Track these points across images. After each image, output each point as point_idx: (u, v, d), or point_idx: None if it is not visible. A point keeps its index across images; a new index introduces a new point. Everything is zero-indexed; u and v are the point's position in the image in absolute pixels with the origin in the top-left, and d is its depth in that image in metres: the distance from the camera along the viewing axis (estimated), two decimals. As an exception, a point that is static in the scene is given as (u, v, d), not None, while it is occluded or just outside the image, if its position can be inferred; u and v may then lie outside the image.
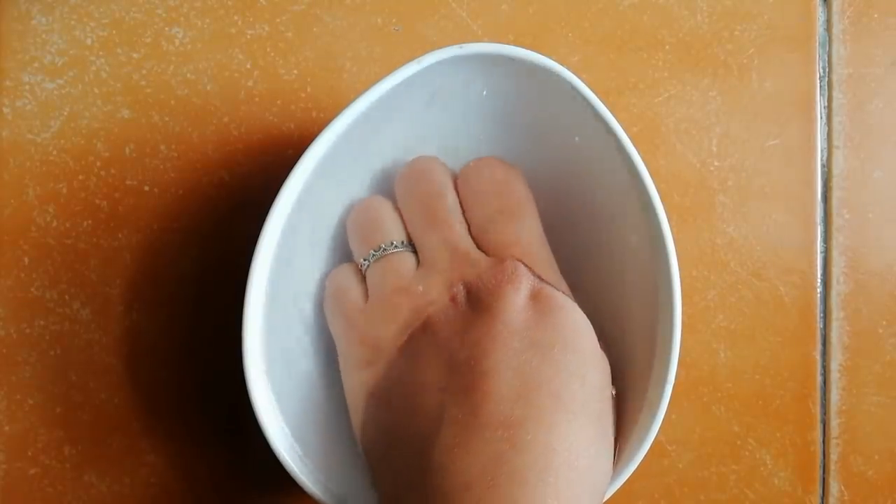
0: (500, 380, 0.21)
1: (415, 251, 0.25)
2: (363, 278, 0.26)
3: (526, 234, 0.25)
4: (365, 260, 0.25)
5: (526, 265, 0.24)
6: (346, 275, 0.26)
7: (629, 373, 0.25)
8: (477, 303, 0.23)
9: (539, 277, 0.24)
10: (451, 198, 0.25)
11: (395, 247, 0.25)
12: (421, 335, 0.23)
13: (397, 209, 0.26)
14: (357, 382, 0.25)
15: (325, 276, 0.27)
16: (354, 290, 0.25)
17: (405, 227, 0.26)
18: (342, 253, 0.27)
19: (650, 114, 0.32)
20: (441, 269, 0.24)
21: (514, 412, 0.21)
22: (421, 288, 0.24)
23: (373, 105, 0.24)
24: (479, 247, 0.25)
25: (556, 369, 0.22)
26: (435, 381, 0.22)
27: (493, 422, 0.21)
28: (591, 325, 0.24)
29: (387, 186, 0.27)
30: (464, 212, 0.25)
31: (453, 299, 0.23)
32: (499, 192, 0.25)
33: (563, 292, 0.24)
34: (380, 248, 0.25)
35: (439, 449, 0.21)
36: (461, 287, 0.24)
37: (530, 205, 0.25)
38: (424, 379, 0.23)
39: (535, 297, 0.23)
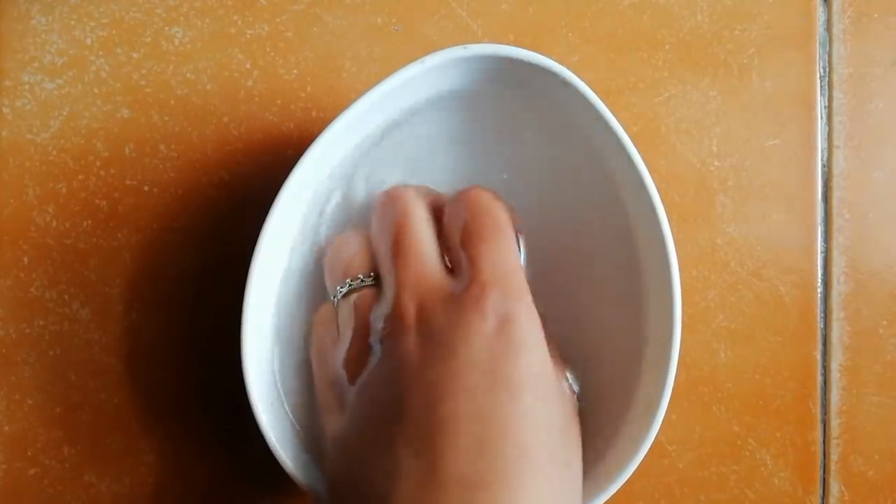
0: (459, 429, 0.19)
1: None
2: (336, 316, 0.25)
3: (497, 256, 0.22)
4: (334, 297, 0.25)
5: (495, 289, 0.22)
6: (323, 315, 0.25)
7: (629, 373, 0.25)
8: (437, 334, 0.21)
9: (508, 301, 0.22)
10: (421, 224, 0.24)
11: (362, 281, 0.24)
12: (376, 377, 0.22)
13: (370, 242, 0.25)
14: (323, 427, 0.24)
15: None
16: (329, 329, 0.25)
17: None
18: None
19: (650, 114, 0.32)
20: (399, 300, 0.22)
21: (475, 469, 0.19)
22: (378, 322, 0.22)
23: (373, 105, 0.24)
24: (453, 265, 0.23)
25: (523, 416, 0.20)
26: (389, 432, 0.20)
27: (451, 482, 0.19)
28: (552, 363, 0.22)
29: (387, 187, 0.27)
30: (445, 239, 0.24)
31: (407, 332, 0.21)
32: (474, 215, 0.23)
33: (533, 319, 0.22)
34: (346, 283, 0.24)
35: None
36: (415, 317, 0.22)
37: (506, 228, 0.23)
38: (381, 426, 0.21)
39: (502, 327, 0.21)
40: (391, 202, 0.24)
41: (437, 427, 0.20)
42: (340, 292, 0.24)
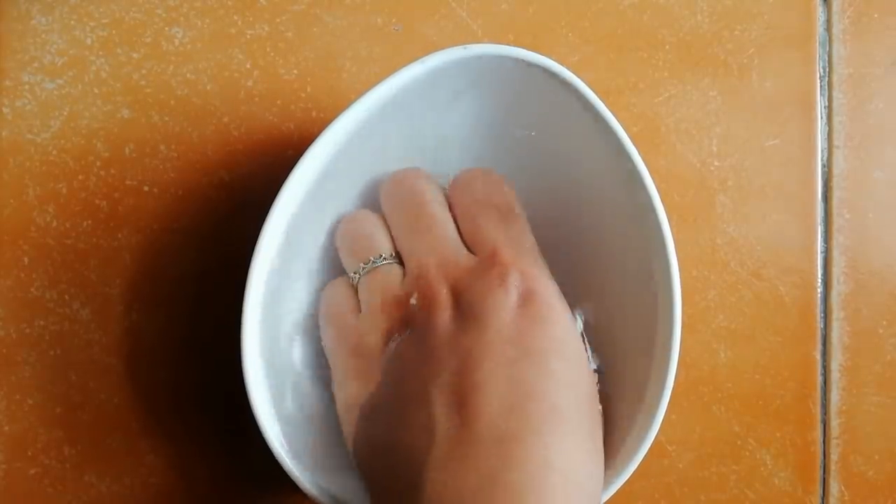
0: (492, 391, 0.21)
1: (403, 262, 0.25)
2: (355, 292, 0.25)
3: (515, 235, 0.24)
4: (355, 273, 0.25)
5: (516, 267, 0.23)
6: (339, 289, 0.26)
7: (629, 373, 0.25)
8: (467, 308, 0.22)
9: (529, 279, 0.23)
10: (436, 203, 0.25)
11: (385, 259, 0.25)
12: (409, 346, 0.23)
13: (384, 221, 0.26)
14: (347, 395, 0.24)
15: (326, 275, 0.27)
16: (346, 304, 0.25)
17: (393, 239, 0.25)
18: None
19: (650, 114, 0.32)
20: (427, 275, 0.23)
21: (508, 426, 0.20)
22: (407, 297, 0.24)
23: (374, 105, 0.24)
24: (469, 247, 0.24)
25: (552, 379, 0.21)
26: (425, 392, 0.22)
27: (486, 437, 0.20)
28: (577, 332, 0.23)
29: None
30: (455, 219, 0.25)
31: (440, 306, 0.23)
32: (487, 195, 0.25)
33: (553, 293, 0.23)
34: (369, 261, 0.25)
35: (431, 465, 0.20)
36: (447, 293, 0.23)
37: (519, 207, 0.25)
38: (414, 391, 0.22)
39: (527, 300, 0.22)
40: (402, 182, 0.25)
41: (472, 390, 0.21)
42: (364, 269, 0.25)
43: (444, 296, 0.23)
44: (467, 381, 0.21)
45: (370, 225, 0.25)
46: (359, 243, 0.25)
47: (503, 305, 0.22)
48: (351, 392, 0.24)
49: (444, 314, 0.23)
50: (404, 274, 0.25)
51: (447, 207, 0.25)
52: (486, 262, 0.23)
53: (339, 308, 0.25)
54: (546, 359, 0.21)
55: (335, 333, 0.25)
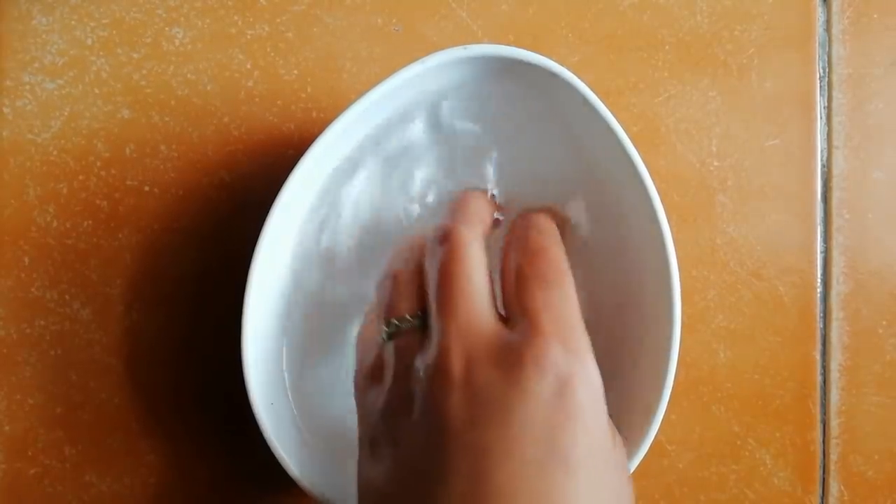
0: None
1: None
2: (382, 352, 0.23)
3: (559, 302, 0.21)
4: (380, 336, 0.23)
5: (558, 340, 0.20)
6: (369, 343, 0.24)
7: (629, 373, 0.25)
8: (487, 393, 0.19)
9: (571, 358, 0.20)
10: (471, 269, 0.22)
11: (409, 322, 0.22)
12: (420, 430, 0.20)
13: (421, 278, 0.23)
14: (361, 465, 0.22)
15: (326, 276, 0.27)
16: (371, 366, 0.23)
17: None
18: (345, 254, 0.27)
19: (650, 114, 0.32)
20: (444, 351, 0.20)
21: None
22: (421, 372, 0.21)
23: (374, 105, 0.24)
24: (508, 313, 0.22)
25: (577, 493, 0.18)
26: (434, 492, 0.19)
27: None
28: (609, 425, 0.21)
29: (388, 188, 0.27)
30: (502, 274, 0.23)
31: (453, 388, 0.20)
32: (533, 256, 0.22)
33: (595, 380, 0.20)
34: (391, 324, 0.22)
35: None
36: (462, 372, 0.20)
37: (567, 271, 0.22)
38: (423, 487, 0.19)
39: (562, 390, 0.19)
40: (443, 239, 0.22)
41: (489, 501, 0.18)
42: (386, 332, 0.22)
43: (456, 375, 0.20)
44: (482, 491, 0.18)
45: (401, 283, 0.23)
46: (386, 303, 0.23)
47: (534, 392, 0.19)
48: (361, 458, 0.22)
49: (455, 399, 0.19)
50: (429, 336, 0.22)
51: (486, 272, 0.22)
52: (521, 334, 0.20)
53: (364, 371, 0.23)
54: (576, 468, 0.18)
55: (358, 401, 0.23)
